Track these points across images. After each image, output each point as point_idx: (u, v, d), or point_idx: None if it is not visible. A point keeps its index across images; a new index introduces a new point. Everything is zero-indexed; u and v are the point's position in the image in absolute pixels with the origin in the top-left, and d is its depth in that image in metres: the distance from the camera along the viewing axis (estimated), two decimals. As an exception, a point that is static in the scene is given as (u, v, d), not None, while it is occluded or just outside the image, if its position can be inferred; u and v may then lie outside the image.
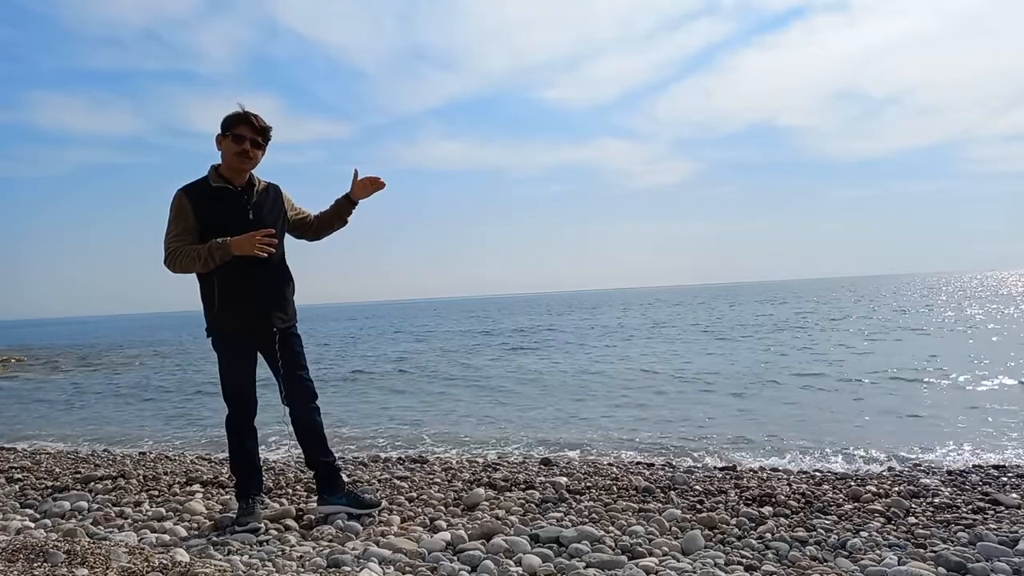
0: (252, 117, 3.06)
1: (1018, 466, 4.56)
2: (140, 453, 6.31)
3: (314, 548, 2.84)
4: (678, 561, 2.67)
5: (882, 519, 3.17)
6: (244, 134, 3.03)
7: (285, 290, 3.23)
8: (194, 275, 3.10)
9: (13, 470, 4.91)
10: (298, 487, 4.02)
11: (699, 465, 5.06)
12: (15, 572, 2.32)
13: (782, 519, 3.22)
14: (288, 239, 3.32)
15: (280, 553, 2.78)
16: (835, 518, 3.21)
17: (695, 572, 2.55)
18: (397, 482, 4.17)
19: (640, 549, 2.80)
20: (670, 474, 4.42)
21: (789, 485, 3.95)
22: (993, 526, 3.02)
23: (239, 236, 2.95)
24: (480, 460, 5.32)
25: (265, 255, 2.98)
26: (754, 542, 2.88)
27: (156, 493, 4.00)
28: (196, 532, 3.18)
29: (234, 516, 3.23)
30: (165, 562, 2.48)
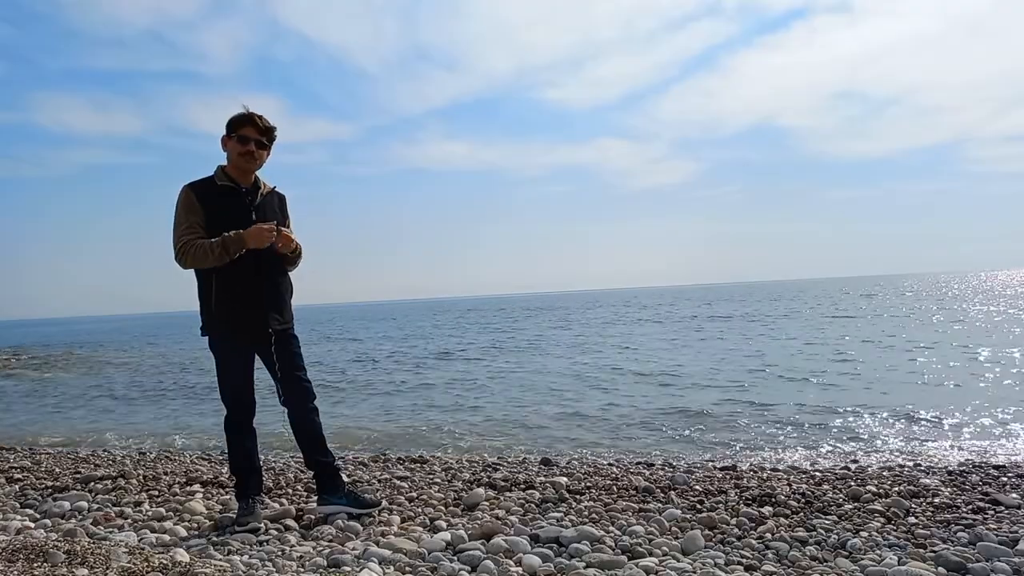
0: (257, 118, 3.09)
1: (1018, 466, 4.55)
2: (140, 453, 6.31)
3: (314, 548, 2.84)
4: (678, 561, 2.67)
5: (882, 519, 3.17)
6: (249, 135, 3.06)
7: (283, 292, 3.24)
8: (192, 275, 3.11)
9: (13, 470, 4.91)
10: (298, 487, 4.02)
11: (699, 465, 5.06)
12: (15, 572, 2.32)
13: (782, 519, 3.21)
14: None
15: (280, 553, 2.78)
16: (835, 518, 3.20)
17: (695, 572, 2.55)
18: (397, 482, 4.17)
19: (640, 549, 2.80)
20: (670, 474, 4.42)
21: (789, 485, 3.95)
22: (993, 526, 3.02)
23: (251, 228, 2.99)
24: (480, 460, 5.32)
25: (279, 244, 3.05)
26: (754, 542, 2.88)
27: (156, 493, 4.01)
28: (196, 532, 3.18)
29: (234, 516, 3.23)
30: (165, 562, 2.48)
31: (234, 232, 2.97)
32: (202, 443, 7.05)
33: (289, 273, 3.30)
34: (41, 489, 4.19)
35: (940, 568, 2.52)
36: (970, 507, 3.36)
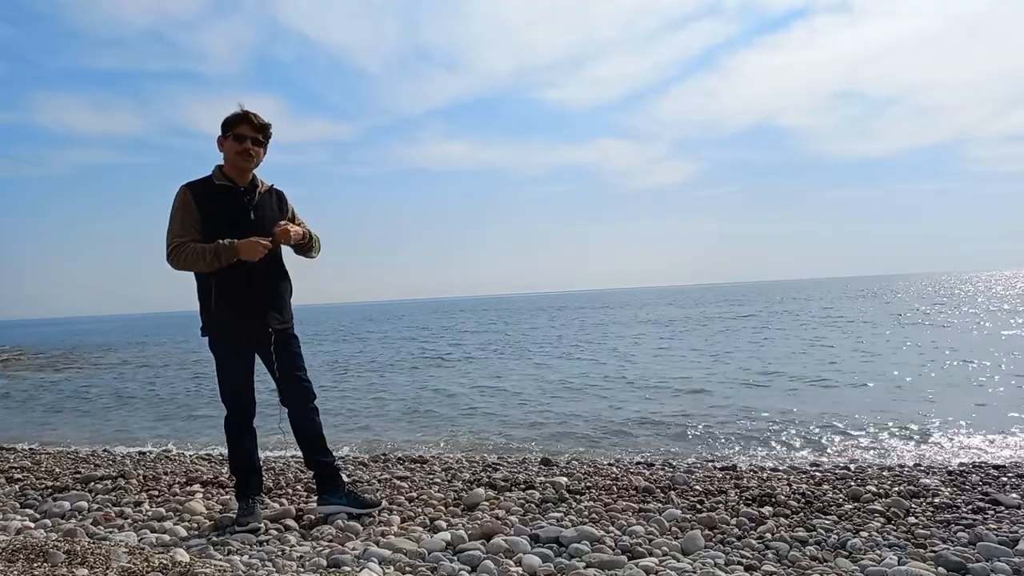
0: (251, 116, 3.09)
1: (1018, 466, 4.56)
2: (140, 453, 6.32)
3: (314, 548, 2.84)
4: (678, 561, 2.67)
5: (882, 519, 3.17)
6: (245, 133, 3.06)
7: (282, 291, 3.23)
8: (191, 275, 3.10)
9: (13, 470, 4.91)
10: (298, 487, 4.02)
11: (699, 465, 5.06)
12: (15, 572, 2.32)
13: (782, 519, 3.21)
14: None
15: (280, 553, 2.78)
16: (835, 518, 3.20)
17: (695, 572, 2.55)
18: (397, 482, 4.17)
19: (640, 549, 2.80)
20: (670, 474, 4.42)
21: (789, 485, 3.95)
22: (993, 526, 3.02)
23: (246, 240, 2.96)
24: (480, 460, 5.32)
25: (281, 241, 3.08)
26: (754, 542, 2.88)
27: (156, 493, 4.00)
28: (196, 532, 3.18)
29: (234, 516, 3.23)
30: (165, 562, 2.48)
31: (228, 241, 2.95)
32: (202, 443, 7.04)
33: (289, 275, 3.29)
34: (41, 489, 4.19)
35: (940, 568, 2.52)
36: (970, 507, 3.36)
